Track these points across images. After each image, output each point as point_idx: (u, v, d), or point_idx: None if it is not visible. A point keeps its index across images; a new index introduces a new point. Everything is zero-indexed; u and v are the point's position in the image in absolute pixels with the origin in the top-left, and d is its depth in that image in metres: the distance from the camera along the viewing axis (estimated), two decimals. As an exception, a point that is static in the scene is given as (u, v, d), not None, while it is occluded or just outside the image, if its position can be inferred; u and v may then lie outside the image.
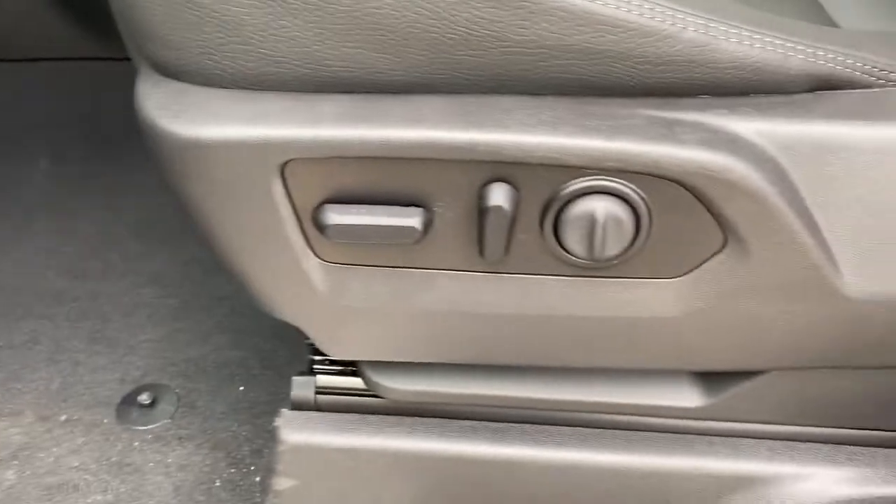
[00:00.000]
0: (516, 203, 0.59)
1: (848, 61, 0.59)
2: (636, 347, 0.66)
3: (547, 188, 0.59)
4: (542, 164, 0.57)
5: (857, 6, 0.81)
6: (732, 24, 0.57)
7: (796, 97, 0.59)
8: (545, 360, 0.69)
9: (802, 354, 0.66)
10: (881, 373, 0.69)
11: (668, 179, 0.57)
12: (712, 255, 0.61)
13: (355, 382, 0.78)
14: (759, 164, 0.56)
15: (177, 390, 1.10)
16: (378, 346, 0.69)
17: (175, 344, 1.16)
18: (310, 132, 0.57)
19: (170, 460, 1.03)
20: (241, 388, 1.10)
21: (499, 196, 0.58)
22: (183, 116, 0.58)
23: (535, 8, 0.54)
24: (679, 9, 0.56)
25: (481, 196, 0.59)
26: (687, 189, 0.57)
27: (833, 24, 0.78)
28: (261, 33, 0.56)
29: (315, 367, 0.79)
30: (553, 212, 0.59)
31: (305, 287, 0.65)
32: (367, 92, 0.59)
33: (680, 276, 0.62)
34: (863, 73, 0.59)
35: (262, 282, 0.66)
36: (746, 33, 0.57)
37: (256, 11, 0.55)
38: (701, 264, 0.61)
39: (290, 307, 0.67)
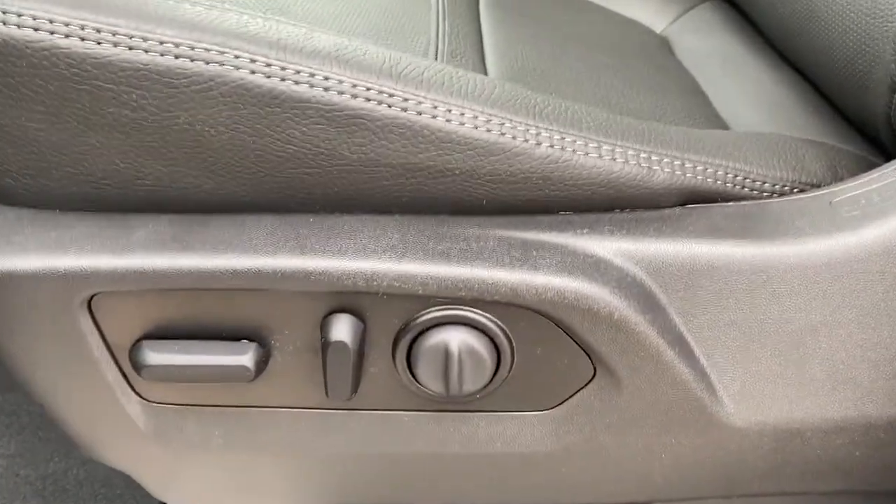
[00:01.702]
0: (362, 336, 0.52)
1: (718, 173, 0.54)
2: (508, 485, 0.60)
3: (396, 319, 0.52)
4: (388, 294, 0.51)
5: (744, 100, 0.78)
6: (591, 136, 0.52)
7: (665, 212, 0.54)
8: (410, 499, 0.62)
9: (689, 485, 0.60)
10: (775, 500, 0.64)
11: (528, 308, 0.51)
12: (582, 387, 0.55)
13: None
14: (623, 290, 0.51)
15: (29, 515, 0.98)
16: (220, 493, 0.61)
17: (31, 459, 1.04)
18: (117, 262, 0.49)
19: None
20: (104, 509, 0.99)
21: (341, 330, 0.52)
22: None
23: (370, 126, 0.48)
24: (531, 123, 0.51)
25: (322, 329, 0.52)
26: (548, 318, 0.52)
27: (718, 119, 0.75)
28: (61, 151, 0.49)
29: (163, 504, 0.71)
30: (405, 344, 0.53)
31: (128, 430, 0.57)
32: (187, 212, 0.52)
33: (549, 409, 0.56)
34: (734, 184, 0.55)
35: (80, 425, 0.57)
36: (607, 147, 0.52)
37: (53, 127, 0.48)
38: (571, 396, 0.55)
39: (113, 452, 0.59)
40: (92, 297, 0.51)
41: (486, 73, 0.69)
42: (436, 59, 0.65)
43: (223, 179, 0.50)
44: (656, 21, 1.03)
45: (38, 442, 1.08)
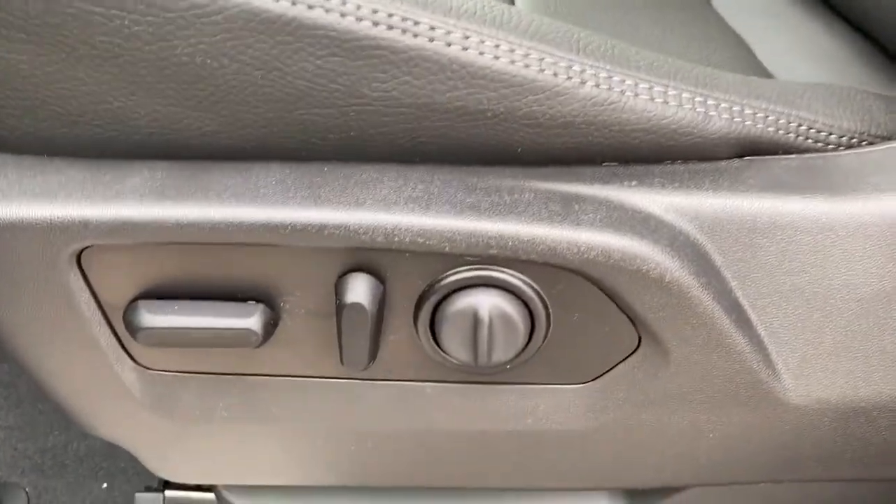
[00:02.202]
0: (381, 298, 0.47)
1: (781, 122, 0.49)
2: (536, 465, 0.55)
3: (419, 280, 0.47)
4: (411, 252, 0.45)
5: (791, 52, 0.72)
6: (641, 75, 0.46)
7: (721, 164, 0.48)
8: (429, 480, 0.57)
9: (736, 468, 0.55)
10: (827, 486, 0.59)
11: (567, 269, 0.46)
12: (625, 358, 0.50)
13: (210, 499, 0.65)
14: (675, 250, 0.45)
15: (27, 489, 0.94)
16: (222, 468, 0.56)
17: (30, 432, 1.00)
18: (110, 212, 0.44)
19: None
20: (105, 485, 0.95)
21: (358, 291, 0.46)
22: None
23: (392, 58, 0.43)
24: (574, 58, 0.45)
25: (337, 290, 0.47)
26: (590, 281, 0.46)
27: (765, 73, 0.69)
28: (47, 87, 0.44)
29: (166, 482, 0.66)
30: (428, 308, 0.47)
31: (123, 400, 0.52)
32: (188, 158, 0.47)
33: (587, 382, 0.51)
34: (797, 135, 0.49)
35: (71, 394, 0.52)
36: (659, 88, 0.46)
37: (37, 59, 0.43)
38: (612, 368, 0.50)
39: (107, 424, 0.54)
40: (82, 251, 0.46)
41: None
42: None
43: (227, 121, 0.45)
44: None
45: (37, 414, 1.04)
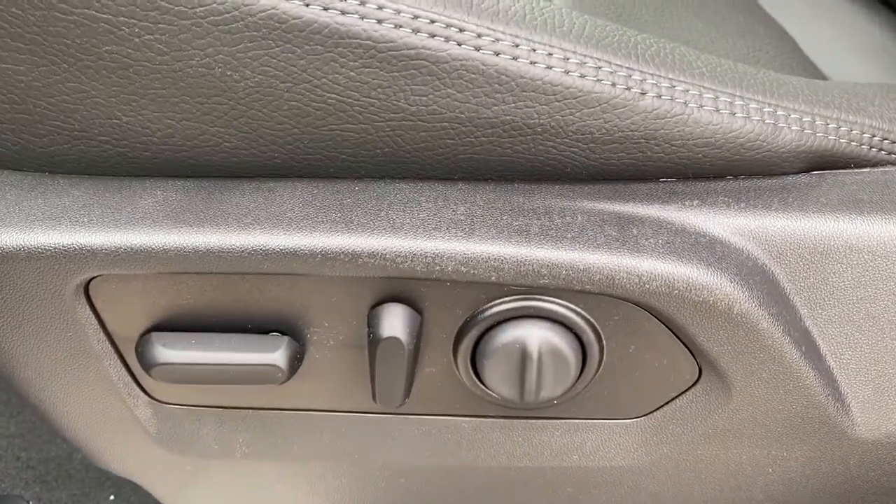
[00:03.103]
0: (418, 331, 0.43)
1: (854, 132, 0.44)
2: (584, 503, 0.51)
3: (460, 311, 0.43)
4: (452, 281, 0.41)
5: (838, 44, 0.67)
6: (706, 84, 0.42)
7: (788, 180, 0.44)
8: (466, 517, 0.53)
9: (795, 503, 0.52)
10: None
11: (624, 300, 0.42)
12: (683, 392, 0.46)
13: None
14: (744, 278, 0.41)
15: (30, 502, 0.91)
16: (243, 505, 0.53)
17: (32, 441, 0.96)
18: (119, 239, 0.40)
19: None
20: (112, 497, 0.91)
21: (394, 324, 0.42)
22: None
23: (434, 69, 0.38)
24: (634, 67, 0.40)
25: (370, 321, 0.43)
26: (649, 311, 0.42)
27: (815, 69, 0.64)
28: (48, 99, 0.39)
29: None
30: (469, 340, 0.43)
31: (137, 436, 0.48)
32: (205, 176, 0.42)
33: (641, 417, 0.47)
34: (870, 146, 0.45)
35: (81, 430, 0.48)
36: (725, 99, 0.42)
37: (37, 70, 0.38)
38: (668, 403, 0.46)
39: (120, 460, 0.50)
40: (90, 281, 0.42)
41: None
42: None
43: (248, 137, 0.40)
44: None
45: (39, 421, 1.00)
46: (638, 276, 0.40)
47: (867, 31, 0.70)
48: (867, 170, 0.45)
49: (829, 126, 0.44)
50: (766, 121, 0.42)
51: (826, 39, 0.69)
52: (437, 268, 0.40)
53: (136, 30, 0.37)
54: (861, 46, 0.67)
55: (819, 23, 0.73)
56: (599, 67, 0.40)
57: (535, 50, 0.39)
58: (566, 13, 0.42)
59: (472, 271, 0.40)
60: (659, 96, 0.40)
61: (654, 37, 0.44)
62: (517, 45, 0.39)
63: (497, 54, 0.38)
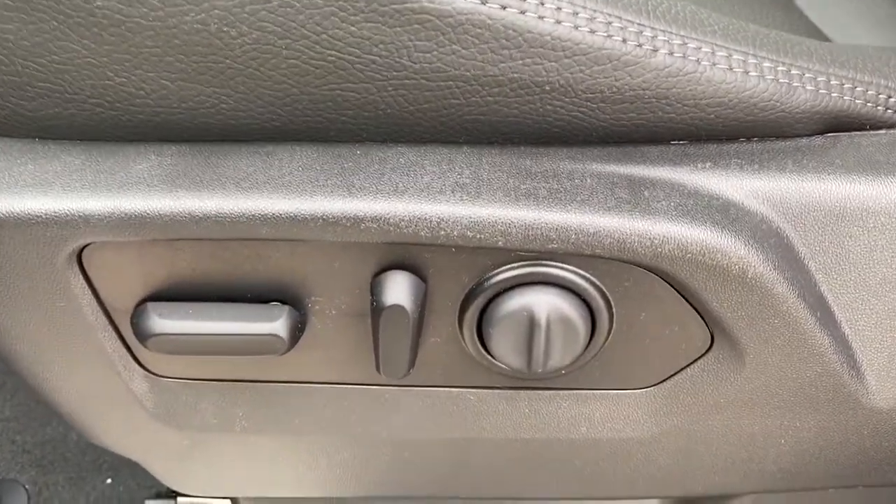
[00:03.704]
0: (423, 299, 0.42)
1: (870, 93, 0.43)
2: (588, 475, 0.50)
3: (466, 278, 0.42)
4: (457, 247, 0.40)
5: (845, 15, 0.66)
6: (718, 42, 0.40)
7: (803, 142, 0.43)
8: (474, 491, 0.52)
9: (806, 475, 0.50)
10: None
11: (635, 264, 0.40)
12: (694, 360, 0.44)
13: (227, 507, 0.60)
14: (758, 241, 0.40)
15: (27, 486, 0.89)
16: (241, 481, 0.51)
17: (27, 423, 0.95)
18: (113, 204, 0.39)
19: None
20: (109, 479, 0.90)
21: (398, 291, 0.41)
22: None
23: (438, 23, 0.37)
24: (645, 23, 0.39)
25: (373, 290, 0.42)
26: (661, 276, 0.41)
27: (822, 36, 0.63)
28: (37, 59, 0.38)
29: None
30: (475, 309, 0.42)
31: (133, 410, 0.47)
32: (202, 140, 0.41)
33: (651, 387, 0.46)
34: (886, 107, 0.44)
35: (75, 404, 0.47)
36: (738, 57, 0.40)
37: (25, 28, 0.37)
38: (679, 371, 0.45)
39: (115, 436, 0.49)
40: (82, 249, 0.40)
41: None
42: None
43: (246, 98, 0.39)
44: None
45: (34, 404, 0.98)
46: (650, 239, 0.39)
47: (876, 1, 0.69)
48: (883, 131, 0.44)
49: (845, 86, 0.42)
50: (781, 80, 0.41)
51: (832, 8, 0.68)
52: (443, 232, 0.39)
53: None
54: (867, 15, 0.66)
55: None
56: (610, 23, 0.38)
57: (543, 3, 0.37)
58: (574, -32, 0.41)
59: (478, 236, 0.39)
60: (671, 53, 0.39)
61: None
62: None
63: (504, 8, 0.37)
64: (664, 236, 0.39)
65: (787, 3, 0.68)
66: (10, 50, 0.38)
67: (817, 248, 0.42)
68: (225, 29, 0.36)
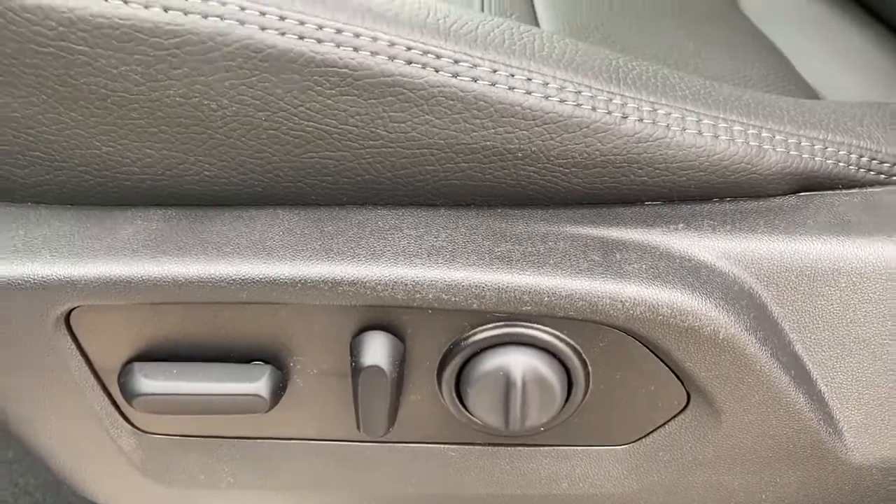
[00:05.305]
0: (401, 359, 0.42)
1: (841, 153, 0.44)
2: (573, 530, 0.50)
3: (443, 338, 0.42)
4: (434, 308, 0.41)
5: (832, 62, 0.67)
6: (688, 107, 0.41)
7: (775, 202, 0.44)
8: (456, 545, 0.52)
9: (791, 529, 0.51)
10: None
11: (609, 326, 0.41)
12: (672, 418, 0.45)
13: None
14: (730, 302, 0.41)
15: (28, 529, 0.90)
16: (230, 535, 0.52)
17: (30, 465, 0.96)
18: (100, 269, 0.40)
19: None
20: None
21: (376, 352, 0.42)
22: None
23: (411, 95, 0.38)
24: (615, 90, 0.40)
25: (353, 350, 0.42)
26: (635, 337, 0.41)
27: (808, 88, 0.64)
28: (28, 130, 0.39)
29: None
30: (453, 368, 0.43)
31: (122, 466, 0.47)
32: (186, 205, 0.42)
33: (630, 444, 0.46)
34: (858, 167, 0.44)
35: (64, 461, 0.48)
36: (708, 121, 0.41)
37: (16, 102, 0.38)
38: (657, 429, 0.45)
39: (106, 491, 0.49)
40: (70, 312, 0.41)
41: None
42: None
43: (228, 165, 0.40)
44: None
45: (38, 445, 1.00)
46: (621, 301, 0.39)
47: (858, 46, 0.70)
48: (855, 190, 0.45)
49: (816, 147, 0.43)
50: (751, 143, 0.42)
51: (817, 55, 0.69)
52: (418, 295, 0.40)
53: (113, 61, 0.37)
54: (852, 61, 0.67)
55: (809, 38, 0.72)
56: (579, 92, 0.39)
57: (513, 75, 0.39)
58: (547, 37, 0.42)
59: (453, 298, 0.40)
60: (640, 120, 0.40)
61: (639, 59, 0.44)
62: (495, 71, 0.38)
63: (475, 80, 0.38)
64: (635, 299, 0.39)
65: (773, 52, 0.69)
66: (2, 121, 0.39)
67: (790, 308, 0.42)
68: (206, 102, 0.38)
